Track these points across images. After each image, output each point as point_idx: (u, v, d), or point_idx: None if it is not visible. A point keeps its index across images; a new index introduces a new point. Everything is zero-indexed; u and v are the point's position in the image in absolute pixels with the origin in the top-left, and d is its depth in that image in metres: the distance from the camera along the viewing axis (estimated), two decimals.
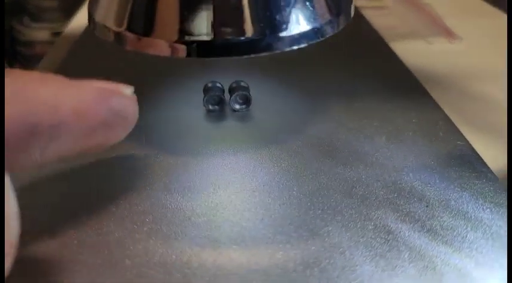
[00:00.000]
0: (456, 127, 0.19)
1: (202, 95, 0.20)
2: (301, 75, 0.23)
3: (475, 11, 0.41)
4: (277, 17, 0.14)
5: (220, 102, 0.20)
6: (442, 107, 0.21)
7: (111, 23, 0.15)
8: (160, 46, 0.14)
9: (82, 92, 0.11)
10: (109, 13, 0.15)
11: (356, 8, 0.35)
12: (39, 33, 0.61)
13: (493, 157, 0.19)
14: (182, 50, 0.14)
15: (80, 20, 0.41)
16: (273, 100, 0.21)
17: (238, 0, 0.13)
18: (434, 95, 0.24)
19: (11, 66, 0.65)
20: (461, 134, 0.19)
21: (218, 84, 0.21)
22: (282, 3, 0.14)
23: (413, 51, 0.32)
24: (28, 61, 0.63)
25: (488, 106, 0.25)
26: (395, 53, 0.27)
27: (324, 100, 0.21)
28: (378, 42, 0.29)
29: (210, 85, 0.20)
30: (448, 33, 0.35)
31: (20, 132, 0.09)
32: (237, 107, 0.20)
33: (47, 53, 0.35)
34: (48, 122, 0.10)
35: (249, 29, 0.14)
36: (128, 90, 0.12)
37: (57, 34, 0.60)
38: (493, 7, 0.41)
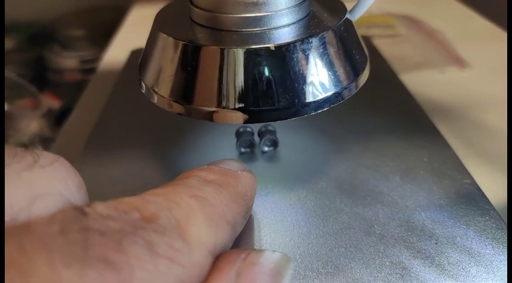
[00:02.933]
0: (463, 165, 0.22)
1: (234, 139, 0.23)
2: (320, 114, 0.26)
3: (485, 35, 0.42)
4: (304, 87, 0.16)
5: (251, 145, 0.23)
6: (450, 139, 0.24)
7: (160, 91, 0.18)
8: (202, 113, 0.17)
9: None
10: (158, 81, 0.18)
11: (368, 38, 0.37)
12: (68, 61, 0.65)
13: (495, 189, 0.22)
14: (222, 116, 0.17)
15: (112, 54, 0.45)
16: (297, 141, 0.24)
17: (270, 75, 0.16)
18: (443, 126, 0.26)
19: (41, 91, 0.69)
20: (468, 172, 0.21)
21: (249, 129, 0.23)
22: (308, 77, 0.16)
23: (426, 81, 0.34)
24: (57, 87, 0.66)
25: (493, 134, 0.27)
26: (405, 87, 0.29)
27: (342, 140, 0.24)
28: (389, 75, 0.31)
29: (241, 130, 0.23)
30: (459, 62, 0.37)
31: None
32: (266, 149, 0.23)
33: (86, 88, 0.39)
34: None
35: (280, 99, 0.16)
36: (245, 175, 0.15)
37: (85, 62, 0.64)
38: (503, 30, 0.43)
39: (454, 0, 0.50)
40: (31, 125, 0.61)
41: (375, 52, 0.34)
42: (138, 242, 0.10)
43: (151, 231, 0.10)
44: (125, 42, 0.48)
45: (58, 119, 0.59)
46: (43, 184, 0.11)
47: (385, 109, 0.27)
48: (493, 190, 0.21)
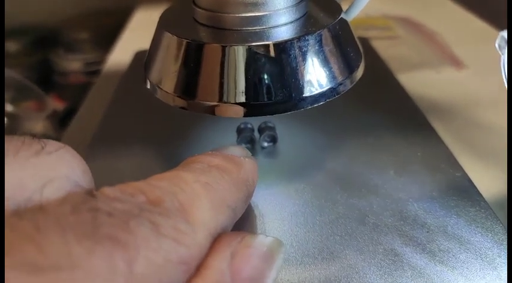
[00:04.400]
0: (455, 159, 0.22)
1: (235, 135, 0.24)
2: (318, 111, 0.26)
3: (482, 36, 0.43)
4: (300, 82, 0.17)
5: (251, 141, 0.24)
6: (444, 136, 0.25)
7: (165, 87, 0.19)
8: (204, 107, 0.18)
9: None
10: (163, 77, 0.19)
11: (366, 40, 0.38)
12: (73, 63, 0.66)
13: (487, 183, 0.22)
14: (223, 110, 0.18)
15: (116, 57, 0.46)
16: (296, 137, 0.25)
17: (269, 71, 0.17)
18: (439, 124, 0.27)
19: (47, 93, 0.70)
20: (460, 166, 0.22)
21: (249, 125, 0.24)
22: (305, 72, 0.17)
23: (422, 81, 0.35)
24: (62, 89, 0.67)
25: (488, 132, 0.28)
26: (402, 87, 0.30)
27: (339, 136, 0.24)
28: (386, 75, 0.32)
29: (242, 126, 0.24)
30: (456, 62, 0.38)
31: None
32: (266, 144, 0.24)
33: (90, 89, 0.39)
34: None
35: (277, 93, 0.17)
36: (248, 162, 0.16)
37: (90, 64, 0.65)
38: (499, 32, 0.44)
39: (452, 3, 0.51)
40: (36, 126, 0.62)
41: (372, 53, 0.35)
42: (144, 223, 0.10)
43: (156, 214, 0.11)
44: (129, 45, 0.49)
45: (62, 120, 0.60)
46: (51, 169, 0.12)
47: (381, 107, 0.27)
48: (485, 183, 0.21)
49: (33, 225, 0.09)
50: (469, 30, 0.44)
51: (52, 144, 0.12)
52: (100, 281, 0.09)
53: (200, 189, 0.12)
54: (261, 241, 0.13)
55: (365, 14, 0.48)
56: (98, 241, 0.09)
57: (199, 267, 0.11)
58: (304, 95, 0.17)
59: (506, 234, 0.18)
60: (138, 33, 0.52)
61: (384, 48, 0.39)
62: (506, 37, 0.16)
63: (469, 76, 0.36)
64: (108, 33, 0.57)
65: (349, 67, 0.19)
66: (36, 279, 0.08)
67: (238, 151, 0.16)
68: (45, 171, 0.11)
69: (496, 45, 0.16)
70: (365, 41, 0.37)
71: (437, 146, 0.23)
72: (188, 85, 0.18)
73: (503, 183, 0.24)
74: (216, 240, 0.12)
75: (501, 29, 0.45)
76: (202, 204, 0.12)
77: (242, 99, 0.17)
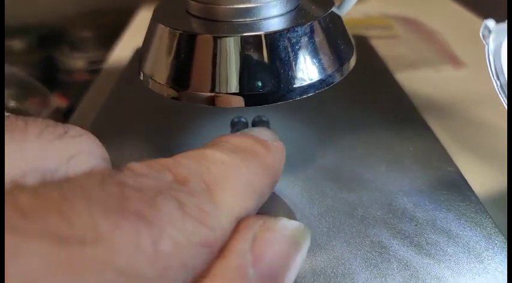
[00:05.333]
0: (448, 154, 0.22)
1: (229, 128, 0.24)
2: (313, 107, 0.27)
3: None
4: (290, 73, 0.17)
5: None
6: (440, 134, 0.24)
7: (158, 78, 0.19)
8: (196, 97, 0.18)
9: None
10: (156, 69, 0.19)
11: (365, 38, 0.38)
12: (77, 61, 0.66)
13: (481, 180, 0.22)
14: (214, 100, 0.18)
15: (118, 55, 0.46)
16: (289, 132, 0.25)
17: (259, 61, 0.17)
18: (434, 122, 0.27)
19: (51, 91, 0.70)
20: (452, 161, 0.22)
21: (243, 119, 0.24)
22: (294, 63, 0.17)
23: (420, 80, 0.35)
24: (66, 87, 0.68)
25: (484, 130, 0.28)
26: (399, 84, 0.30)
27: (333, 131, 0.24)
28: (384, 73, 0.32)
29: (236, 120, 0.24)
30: (455, 61, 0.38)
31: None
32: None
33: (91, 85, 0.40)
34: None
35: (267, 84, 0.17)
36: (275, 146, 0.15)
37: (93, 63, 0.66)
38: None
39: (452, 2, 0.51)
40: None
41: (371, 51, 0.35)
42: (170, 201, 0.10)
43: (182, 193, 0.10)
44: (131, 43, 0.49)
45: (66, 117, 0.60)
46: (73, 151, 0.12)
47: (377, 104, 0.27)
48: (479, 180, 0.21)
49: (59, 193, 0.09)
50: (469, 29, 0.44)
51: (75, 129, 0.12)
52: (123, 258, 0.09)
53: (227, 170, 0.12)
54: (283, 224, 0.12)
55: (365, 13, 0.48)
56: (125, 216, 0.09)
57: (222, 249, 0.11)
58: (293, 86, 0.17)
59: (497, 228, 0.18)
60: (140, 32, 0.53)
61: (383, 47, 0.39)
62: (489, 26, 0.15)
63: (468, 75, 0.36)
64: (112, 31, 0.58)
65: (339, 59, 0.19)
66: (59, 250, 0.08)
67: (268, 134, 0.15)
68: (70, 152, 0.11)
69: (480, 35, 0.16)
70: (364, 40, 0.37)
71: (431, 141, 0.23)
72: (181, 76, 0.18)
73: (498, 181, 0.24)
74: (239, 222, 0.12)
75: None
76: (228, 187, 0.12)
77: (234, 89, 0.17)
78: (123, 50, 0.47)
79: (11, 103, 0.59)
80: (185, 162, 0.12)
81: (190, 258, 0.10)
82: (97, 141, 0.13)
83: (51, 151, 0.11)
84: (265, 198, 0.14)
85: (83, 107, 0.37)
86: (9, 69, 0.62)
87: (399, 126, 0.25)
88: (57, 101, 0.66)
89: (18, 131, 0.11)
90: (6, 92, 0.60)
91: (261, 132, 0.15)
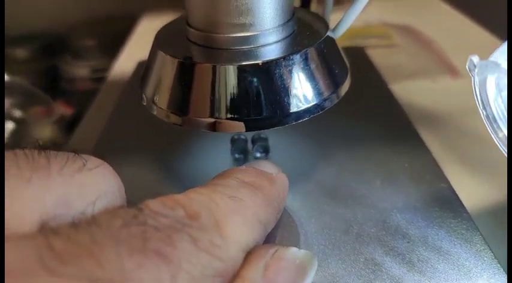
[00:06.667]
0: (441, 170, 0.23)
1: (229, 145, 0.25)
2: (310, 122, 0.27)
3: (481, 44, 0.43)
4: (285, 99, 0.18)
5: (244, 151, 0.25)
6: (434, 148, 0.25)
7: (159, 103, 0.20)
8: (198, 123, 0.19)
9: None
10: (157, 94, 0.20)
11: (362, 49, 0.39)
12: (80, 70, 0.67)
13: (472, 194, 0.23)
14: (215, 126, 0.18)
15: (122, 64, 0.47)
16: (288, 148, 0.25)
17: (256, 89, 0.18)
18: (429, 135, 0.28)
19: (54, 99, 0.71)
20: (445, 177, 0.23)
21: (242, 136, 0.25)
22: (290, 90, 0.18)
23: (417, 91, 0.35)
24: (69, 95, 0.69)
25: (478, 143, 0.29)
26: (395, 97, 0.31)
27: (329, 146, 0.25)
28: (380, 85, 0.33)
29: (236, 137, 0.25)
30: (452, 71, 0.39)
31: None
32: (258, 155, 0.25)
33: (95, 97, 0.41)
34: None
35: (264, 110, 0.18)
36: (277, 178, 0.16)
37: (96, 71, 0.67)
38: (499, 40, 0.44)
39: (453, 10, 0.52)
40: (44, 131, 0.63)
41: (367, 62, 0.36)
42: (184, 238, 0.11)
43: (195, 229, 0.12)
44: (134, 52, 0.50)
45: (70, 125, 0.61)
46: (94, 186, 0.13)
47: (372, 118, 0.28)
48: (470, 194, 0.22)
49: (89, 237, 0.10)
50: (468, 38, 0.45)
51: (92, 161, 0.13)
52: None
53: (234, 205, 0.13)
54: (294, 253, 0.13)
55: (365, 21, 0.49)
56: (147, 255, 0.10)
57: (235, 277, 0.12)
58: (289, 111, 0.18)
59: (486, 245, 0.19)
60: (143, 41, 0.54)
61: (381, 56, 0.40)
62: (474, 61, 0.16)
63: (464, 85, 0.36)
64: (115, 40, 0.59)
65: (334, 84, 0.20)
66: None
67: (271, 167, 0.17)
68: (90, 187, 0.12)
69: (467, 68, 0.17)
70: (360, 50, 0.38)
71: (424, 157, 0.24)
72: (181, 102, 0.19)
73: (490, 195, 0.24)
74: (250, 252, 0.13)
75: (500, 37, 0.45)
76: (236, 220, 0.13)
77: (233, 115, 0.18)
78: (126, 59, 0.48)
79: (16, 112, 0.61)
80: (196, 198, 0.13)
81: None
82: (111, 170, 0.14)
83: (73, 187, 0.12)
84: (271, 227, 0.15)
85: (88, 119, 0.38)
86: (12, 78, 0.63)
87: (394, 141, 0.25)
88: (61, 109, 0.68)
89: (42, 169, 0.12)
90: (11, 101, 0.61)
91: (265, 166, 0.16)
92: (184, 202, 0.12)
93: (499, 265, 0.18)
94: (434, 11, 0.53)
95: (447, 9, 0.53)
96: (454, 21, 0.50)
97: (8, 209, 0.10)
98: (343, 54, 0.21)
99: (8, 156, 0.12)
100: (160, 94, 0.20)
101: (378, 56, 0.40)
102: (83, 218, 0.11)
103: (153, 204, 0.12)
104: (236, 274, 0.12)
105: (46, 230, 0.10)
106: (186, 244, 0.11)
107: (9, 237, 0.09)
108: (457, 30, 0.47)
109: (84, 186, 0.12)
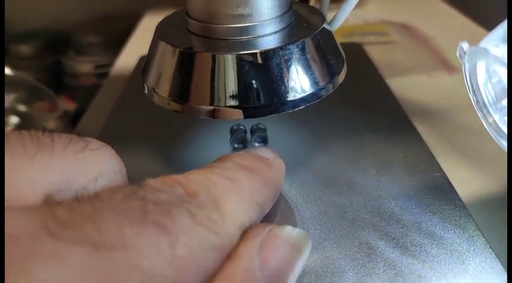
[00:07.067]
0: (435, 160, 0.24)
1: (229, 136, 0.25)
2: (307, 114, 0.28)
3: (478, 41, 0.44)
4: (282, 88, 0.19)
5: (243, 141, 0.25)
6: (429, 139, 0.26)
7: (160, 91, 0.20)
8: (198, 110, 0.19)
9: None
10: (159, 83, 0.21)
11: (360, 45, 0.39)
12: (84, 66, 0.68)
13: (466, 184, 0.24)
14: (215, 113, 0.19)
15: (124, 60, 0.48)
16: (285, 138, 0.26)
17: (254, 77, 0.18)
18: (425, 128, 0.28)
19: (58, 95, 0.72)
20: (439, 166, 0.23)
21: (242, 127, 0.26)
22: (287, 79, 0.19)
23: (413, 86, 0.36)
24: (73, 91, 0.70)
25: (472, 136, 0.29)
26: (391, 91, 0.31)
27: (326, 137, 0.26)
28: (376, 79, 0.33)
29: (235, 127, 0.26)
30: (448, 66, 0.39)
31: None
32: (257, 145, 0.25)
33: (98, 92, 0.41)
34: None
35: (261, 98, 0.19)
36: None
37: (99, 67, 0.68)
38: None
39: (449, 7, 0.52)
40: (48, 126, 0.64)
41: (364, 58, 0.37)
42: (183, 212, 0.12)
43: (193, 204, 0.12)
44: (137, 49, 0.51)
45: (73, 120, 0.62)
46: (96, 164, 0.13)
47: (369, 111, 0.29)
48: (464, 184, 0.23)
49: (91, 208, 0.10)
50: (463, 34, 0.45)
51: (95, 143, 0.14)
52: (147, 261, 0.10)
53: (231, 185, 0.14)
54: (289, 232, 0.14)
55: (363, 19, 0.49)
56: (146, 225, 0.11)
57: (232, 253, 0.13)
58: (286, 99, 0.19)
59: (478, 231, 0.19)
60: (145, 37, 0.54)
61: (378, 53, 0.40)
62: (464, 48, 0.17)
63: (459, 80, 0.37)
64: (118, 37, 0.59)
65: (329, 74, 0.20)
66: (93, 255, 0.09)
67: (268, 152, 0.17)
68: (92, 165, 0.13)
69: (457, 55, 0.17)
70: (358, 47, 0.38)
71: (419, 147, 0.25)
72: (182, 90, 0.20)
73: (483, 185, 0.25)
74: (246, 230, 0.13)
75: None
76: (233, 200, 0.13)
77: (232, 103, 0.19)
78: (129, 55, 0.49)
79: (21, 107, 0.61)
80: (194, 178, 0.13)
81: (203, 261, 0.12)
82: (113, 152, 0.14)
83: (76, 165, 0.13)
84: (267, 209, 0.16)
85: (90, 113, 0.39)
86: (18, 74, 0.64)
87: (390, 133, 0.26)
88: (65, 105, 0.68)
89: (46, 148, 0.12)
90: (15, 96, 0.62)
91: (262, 151, 0.17)
92: (184, 182, 0.13)
93: (490, 250, 0.18)
94: (430, 9, 0.53)
95: (443, 6, 0.53)
96: (450, 18, 0.50)
97: (13, 184, 0.11)
98: (339, 46, 0.22)
99: (14, 135, 0.12)
100: (161, 83, 0.20)
101: (376, 53, 0.41)
102: (85, 193, 0.11)
103: (154, 182, 0.12)
104: (232, 251, 0.13)
105: (50, 202, 0.11)
106: (185, 218, 0.11)
107: (15, 208, 0.10)
108: (452, 27, 0.47)
109: (87, 164, 0.13)
